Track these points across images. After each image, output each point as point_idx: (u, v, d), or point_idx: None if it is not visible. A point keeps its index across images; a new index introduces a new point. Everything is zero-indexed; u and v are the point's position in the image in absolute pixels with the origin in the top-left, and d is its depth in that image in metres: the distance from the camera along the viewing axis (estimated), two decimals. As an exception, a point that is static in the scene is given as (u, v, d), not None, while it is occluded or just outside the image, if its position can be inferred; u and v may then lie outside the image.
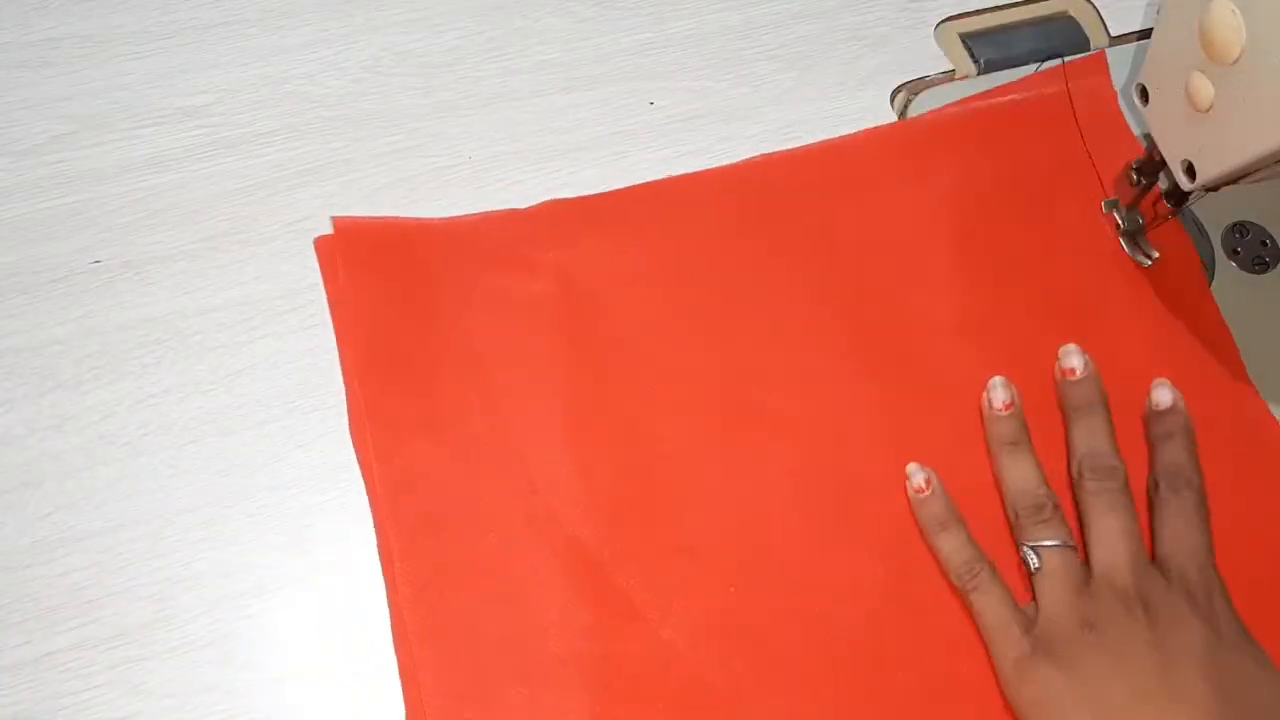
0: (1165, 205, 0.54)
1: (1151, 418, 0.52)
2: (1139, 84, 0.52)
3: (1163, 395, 0.51)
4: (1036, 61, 0.62)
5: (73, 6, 0.59)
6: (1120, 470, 0.49)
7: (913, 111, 0.60)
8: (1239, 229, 0.58)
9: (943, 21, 0.64)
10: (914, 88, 0.61)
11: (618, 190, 0.56)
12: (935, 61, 0.62)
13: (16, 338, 0.51)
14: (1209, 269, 0.57)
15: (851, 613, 0.48)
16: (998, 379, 0.51)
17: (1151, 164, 0.54)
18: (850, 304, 0.54)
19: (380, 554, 0.48)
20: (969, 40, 0.63)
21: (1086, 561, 0.48)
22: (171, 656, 0.46)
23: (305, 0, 0.60)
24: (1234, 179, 0.48)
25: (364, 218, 0.54)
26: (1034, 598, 0.47)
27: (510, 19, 0.61)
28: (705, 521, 0.49)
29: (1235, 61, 0.44)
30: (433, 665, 0.46)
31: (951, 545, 0.48)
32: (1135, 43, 0.63)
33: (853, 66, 0.62)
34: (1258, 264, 0.58)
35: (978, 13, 0.64)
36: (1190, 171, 0.49)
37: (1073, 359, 0.52)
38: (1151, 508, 0.49)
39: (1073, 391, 0.51)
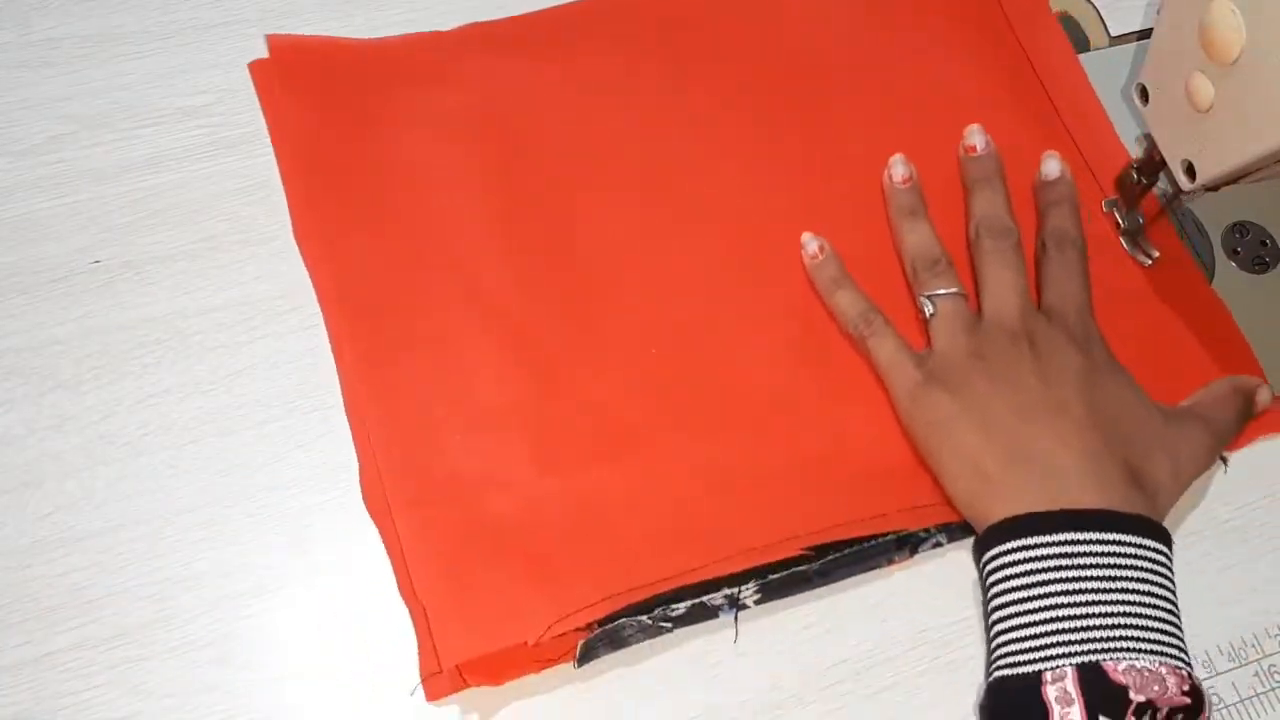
0: (1165, 205, 0.54)
1: (1041, 187, 0.56)
2: (1139, 84, 0.52)
3: (1051, 166, 0.56)
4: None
5: (73, 6, 0.59)
6: (1014, 232, 0.53)
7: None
8: (1239, 229, 0.58)
9: (943, 21, 0.63)
10: (914, 87, 0.61)
11: (537, 11, 0.60)
12: (935, 61, 0.62)
13: (16, 338, 0.51)
14: (1209, 269, 0.57)
15: (763, 367, 0.52)
16: (897, 156, 0.56)
17: (1151, 164, 0.54)
18: (763, 106, 0.58)
19: (330, 337, 0.51)
20: (969, 40, 0.63)
21: (979, 312, 0.52)
22: (171, 656, 0.46)
23: (305, 0, 0.60)
24: (1234, 179, 0.48)
25: (298, 35, 0.58)
26: (930, 344, 0.52)
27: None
28: (628, 294, 0.53)
29: (1235, 61, 0.44)
30: (382, 424, 0.49)
31: (846, 300, 0.52)
32: (1135, 43, 0.63)
33: (853, 66, 0.62)
34: (1258, 264, 0.58)
35: (978, 12, 0.64)
36: (1190, 171, 0.49)
37: (975, 137, 0.56)
38: (1039, 266, 0.54)
39: (974, 166, 0.56)
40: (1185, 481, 0.49)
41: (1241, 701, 0.48)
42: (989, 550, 0.46)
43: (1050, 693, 0.42)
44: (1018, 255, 0.52)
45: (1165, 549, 0.45)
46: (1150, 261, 0.56)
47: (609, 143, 0.57)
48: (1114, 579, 0.43)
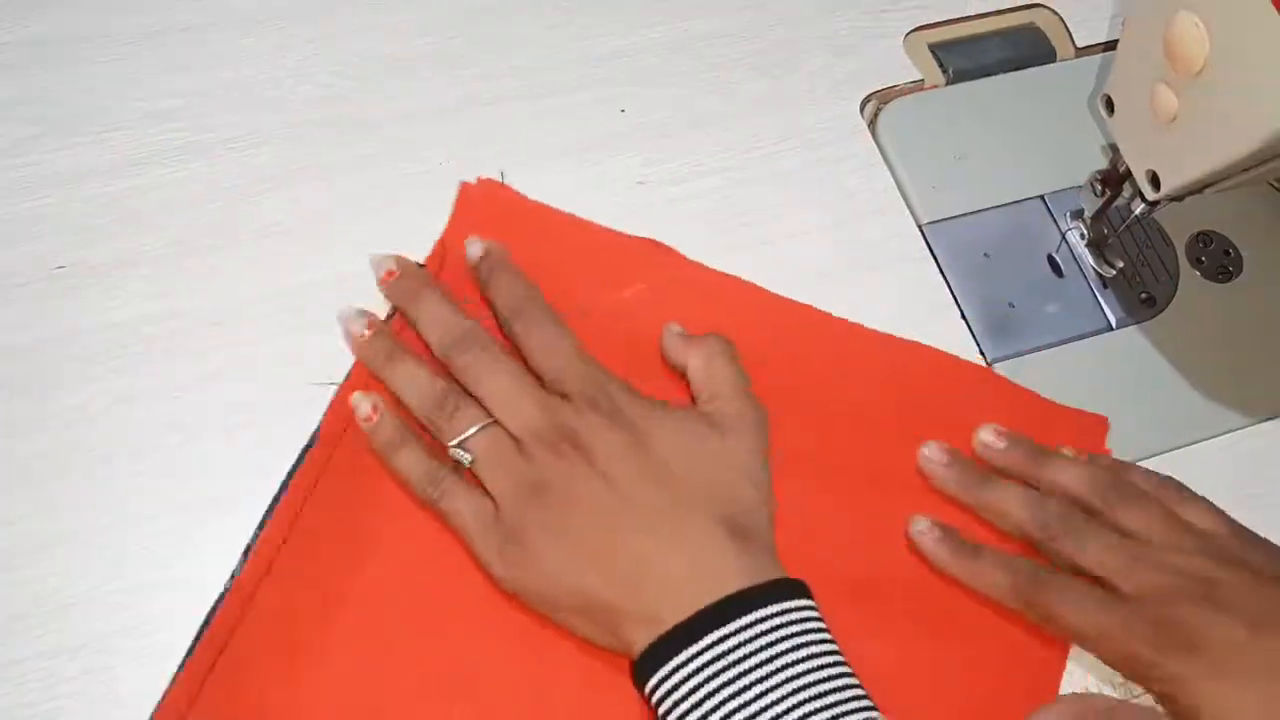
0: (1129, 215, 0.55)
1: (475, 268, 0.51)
2: (1104, 95, 0.52)
3: (473, 249, 0.52)
4: (1003, 71, 0.63)
5: (40, 9, 0.58)
6: (474, 329, 0.48)
7: (882, 120, 0.61)
8: (1203, 238, 0.59)
9: (912, 31, 0.64)
10: (883, 96, 0.62)
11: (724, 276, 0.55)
12: (904, 70, 0.63)
13: (-20, 343, 0.50)
14: (1173, 278, 0.58)
15: None
16: (346, 309, 0.50)
17: (1115, 175, 0.54)
18: None
19: None
20: (937, 50, 0.63)
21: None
22: (139, 665, 0.45)
23: (275, 5, 0.60)
24: (1198, 189, 0.48)
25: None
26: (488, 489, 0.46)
27: (481, 25, 0.61)
28: None
29: (1199, 73, 0.44)
30: None
31: (409, 462, 0.47)
32: (1101, 54, 0.64)
33: (823, 75, 0.62)
34: (1221, 274, 0.58)
35: (946, 23, 0.65)
36: (1155, 181, 0.50)
37: (386, 263, 0.51)
38: (513, 340, 0.49)
39: (393, 291, 0.51)
40: (769, 485, 0.47)
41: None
42: (648, 681, 0.42)
43: None
44: (491, 352, 0.48)
45: (802, 600, 0.43)
46: (1114, 272, 0.57)
47: None
48: (769, 675, 0.40)
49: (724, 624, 0.41)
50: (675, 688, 0.41)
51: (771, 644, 0.41)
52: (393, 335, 0.49)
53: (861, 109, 0.61)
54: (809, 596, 0.43)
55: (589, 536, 0.44)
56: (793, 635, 0.42)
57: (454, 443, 0.46)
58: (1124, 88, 0.51)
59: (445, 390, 0.47)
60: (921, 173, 0.59)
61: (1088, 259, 0.58)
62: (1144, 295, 0.58)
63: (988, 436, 0.52)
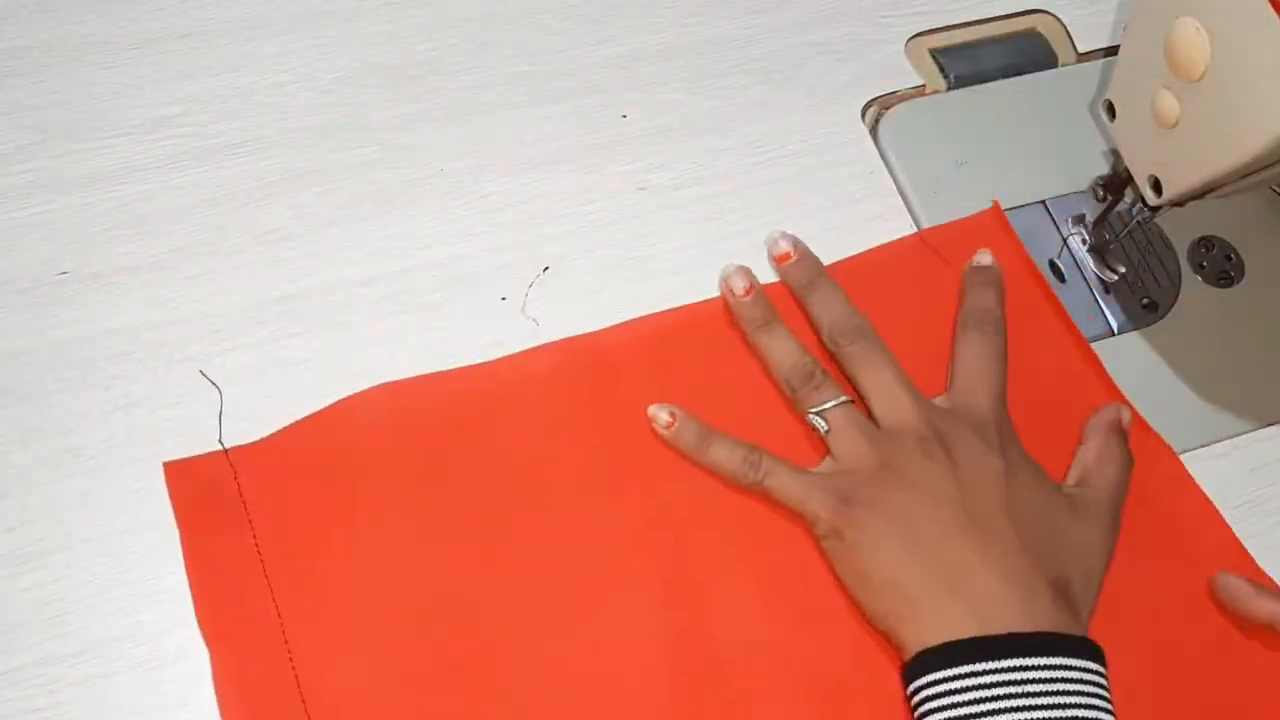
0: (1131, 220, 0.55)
1: (969, 271, 0.54)
2: (1106, 100, 0.52)
3: (983, 257, 0.55)
4: (1005, 77, 0.63)
5: (40, 16, 0.58)
6: (868, 325, 0.51)
7: (884, 126, 0.60)
8: (1204, 244, 0.59)
9: (913, 37, 0.64)
10: (885, 102, 0.62)
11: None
12: (906, 76, 0.63)
13: (-19, 349, 0.51)
14: (1174, 283, 0.58)
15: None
16: (733, 267, 0.53)
17: (1117, 180, 0.54)
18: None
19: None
20: (939, 56, 0.63)
21: (871, 418, 0.50)
22: (138, 672, 0.45)
23: (276, 11, 0.60)
24: (1200, 194, 0.48)
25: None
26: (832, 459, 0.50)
27: (482, 32, 0.61)
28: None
29: (1200, 78, 0.44)
30: None
31: (723, 454, 0.49)
32: (1102, 59, 0.64)
33: (824, 81, 0.62)
34: (1222, 279, 0.58)
35: (948, 28, 0.65)
36: (1157, 187, 0.50)
37: (782, 244, 0.54)
38: (956, 344, 0.52)
39: (794, 271, 0.54)
40: (1098, 586, 0.47)
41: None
42: (924, 677, 0.43)
43: None
44: (883, 350, 0.51)
45: (1103, 669, 0.43)
46: (1116, 277, 0.57)
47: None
48: (1063, 706, 0.41)
49: (1030, 655, 0.42)
50: (951, 693, 0.42)
51: (1066, 692, 0.41)
52: (768, 302, 0.52)
53: (863, 115, 0.61)
54: (1103, 662, 0.43)
55: (923, 526, 0.45)
56: (1089, 694, 0.42)
57: (813, 410, 0.49)
58: (1125, 93, 0.51)
59: (814, 362, 0.50)
60: (923, 178, 0.59)
61: (1089, 264, 0.58)
62: (1146, 300, 0.58)
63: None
